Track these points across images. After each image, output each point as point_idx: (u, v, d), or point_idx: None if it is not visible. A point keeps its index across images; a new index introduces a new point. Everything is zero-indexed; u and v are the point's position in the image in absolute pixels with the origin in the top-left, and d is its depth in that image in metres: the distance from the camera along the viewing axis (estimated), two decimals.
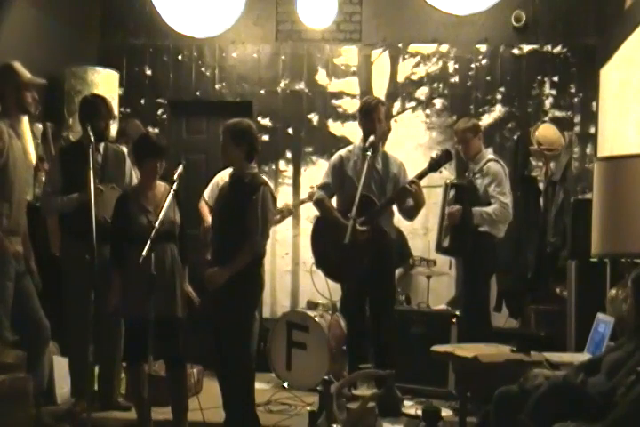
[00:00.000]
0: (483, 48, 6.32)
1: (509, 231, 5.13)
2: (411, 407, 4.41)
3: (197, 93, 6.60)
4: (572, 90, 6.21)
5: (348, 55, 6.45)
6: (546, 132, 5.75)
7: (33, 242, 4.25)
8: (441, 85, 6.35)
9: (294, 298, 6.34)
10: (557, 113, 6.20)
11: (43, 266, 4.30)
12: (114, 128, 5.31)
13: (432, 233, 5.52)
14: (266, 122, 6.46)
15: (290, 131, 6.47)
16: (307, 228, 5.57)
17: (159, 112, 6.59)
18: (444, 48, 6.34)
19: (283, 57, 6.51)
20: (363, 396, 3.74)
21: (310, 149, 6.44)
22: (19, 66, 4.09)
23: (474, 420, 3.58)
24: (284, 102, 6.51)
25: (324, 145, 6.37)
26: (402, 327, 5.09)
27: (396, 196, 4.58)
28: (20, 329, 4.04)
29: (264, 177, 4.42)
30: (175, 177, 3.98)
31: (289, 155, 6.47)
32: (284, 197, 6.22)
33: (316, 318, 5.23)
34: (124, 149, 4.72)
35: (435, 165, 4.57)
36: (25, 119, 4.63)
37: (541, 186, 5.81)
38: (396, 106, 6.36)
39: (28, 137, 4.73)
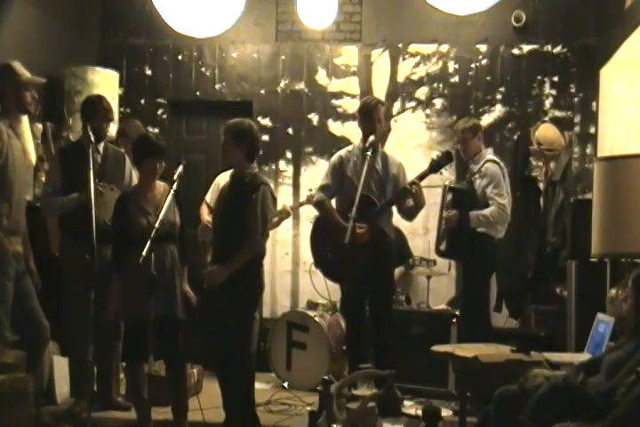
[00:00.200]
0: (483, 48, 6.32)
1: (509, 231, 5.14)
2: (411, 407, 4.41)
3: (197, 93, 6.59)
4: (572, 90, 6.20)
5: (348, 55, 6.44)
6: (546, 132, 5.75)
7: (33, 242, 4.25)
8: (441, 85, 6.34)
9: (294, 298, 6.33)
10: (557, 113, 6.20)
11: (43, 266, 4.30)
12: (114, 128, 5.31)
13: (432, 233, 5.51)
14: (266, 122, 6.45)
15: (290, 131, 6.47)
16: (307, 228, 5.57)
17: (159, 112, 6.58)
18: (444, 48, 6.33)
19: (283, 57, 6.50)
20: (363, 396, 3.73)
21: (310, 149, 6.44)
22: (18, 65, 4.09)
23: (474, 420, 3.57)
24: (284, 102, 6.50)
25: (323, 145, 6.37)
26: (402, 327, 5.09)
27: (396, 196, 4.59)
28: (20, 329, 4.04)
29: (264, 177, 4.42)
30: (175, 177, 3.98)
31: (289, 155, 6.46)
32: (283, 197, 6.21)
33: (316, 318, 5.23)
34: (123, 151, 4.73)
35: (435, 167, 4.60)
36: (25, 119, 4.63)
37: (541, 186, 5.81)
38: (396, 106, 6.35)
39: (27, 137, 4.73)
